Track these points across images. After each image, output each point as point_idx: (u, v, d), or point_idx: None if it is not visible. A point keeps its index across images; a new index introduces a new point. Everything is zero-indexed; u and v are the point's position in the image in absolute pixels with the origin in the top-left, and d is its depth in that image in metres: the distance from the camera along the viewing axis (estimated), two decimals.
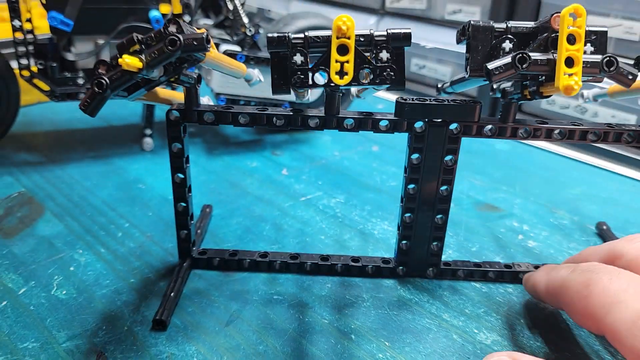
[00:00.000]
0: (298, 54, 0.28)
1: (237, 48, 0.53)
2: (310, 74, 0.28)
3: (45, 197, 0.46)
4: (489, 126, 0.33)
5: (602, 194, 0.51)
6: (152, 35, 0.27)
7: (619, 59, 0.28)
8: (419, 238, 0.36)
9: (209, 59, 0.30)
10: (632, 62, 0.29)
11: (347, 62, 0.27)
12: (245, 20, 0.53)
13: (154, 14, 0.50)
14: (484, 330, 0.32)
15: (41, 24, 0.54)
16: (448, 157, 0.34)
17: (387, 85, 0.29)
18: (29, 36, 0.48)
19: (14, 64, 0.50)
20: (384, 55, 0.29)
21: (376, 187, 0.50)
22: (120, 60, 0.26)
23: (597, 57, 0.28)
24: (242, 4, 0.54)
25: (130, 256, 0.39)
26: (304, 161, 0.55)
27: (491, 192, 0.50)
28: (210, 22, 0.62)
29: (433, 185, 0.34)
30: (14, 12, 0.46)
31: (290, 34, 0.29)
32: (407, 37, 0.29)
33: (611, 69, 0.27)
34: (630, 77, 0.28)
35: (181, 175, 0.34)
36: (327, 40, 0.28)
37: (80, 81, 0.49)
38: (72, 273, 0.37)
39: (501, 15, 0.60)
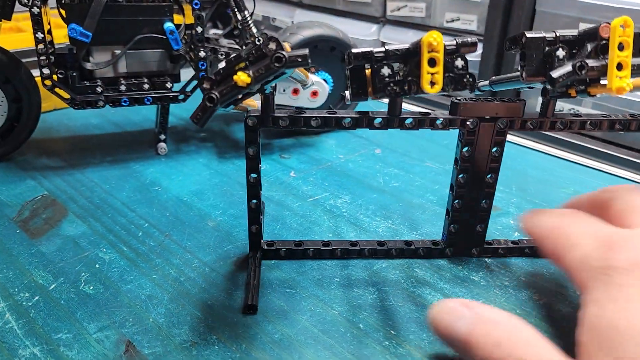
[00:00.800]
0: (385, 67, 0.31)
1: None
2: (405, 84, 0.32)
3: (67, 200, 0.49)
4: (532, 121, 0.37)
5: None
6: (253, 52, 0.30)
7: None
8: (465, 221, 0.40)
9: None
10: None
11: (437, 73, 0.31)
12: (254, 30, 0.56)
13: (167, 25, 0.53)
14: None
15: (58, 33, 0.57)
16: (494, 149, 0.38)
17: (466, 89, 0.32)
18: (50, 47, 0.50)
19: (34, 73, 0.53)
20: (460, 63, 0.32)
21: (379, 188, 0.53)
22: (235, 77, 0.30)
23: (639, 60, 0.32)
24: (251, 15, 0.57)
25: (151, 254, 0.41)
26: (310, 164, 0.58)
27: None
28: (219, 32, 0.65)
29: (481, 174, 0.39)
30: (37, 25, 0.48)
31: (374, 50, 0.32)
32: (474, 44, 0.32)
33: None
34: None
35: (255, 176, 0.38)
36: (405, 53, 0.31)
37: (99, 89, 0.52)
38: (97, 270, 0.39)
39: (497, 24, 0.63)
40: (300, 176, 0.55)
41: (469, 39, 0.32)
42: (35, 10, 0.48)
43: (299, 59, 0.30)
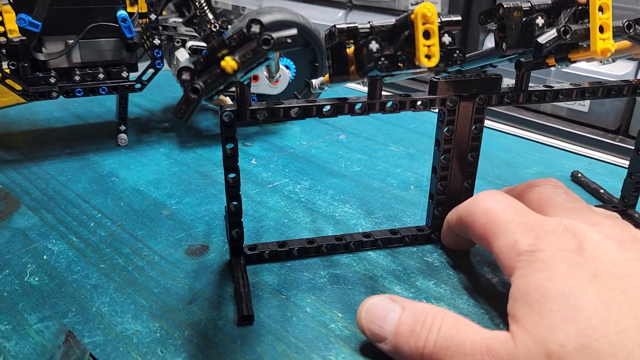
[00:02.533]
0: (374, 42, 0.29)
1: (202, 44, 0.55)
2: (396, 59, 0.29)
3: (21, 192, 0.48)
4: (508, 95, 0.37)
5: (557, 173, 0.53)
6: (235, 37, 0.27)
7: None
8: (449, 204, 0.39)
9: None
10: None
11: (432, 45, 0.29)
12: (210, 16, 0.55)
13: (120, 12, 0.52)
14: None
15: (15, 27, 0.55)
16: (474, 127, 0.37)
17: (458, 67, 0.31)
18: (2, 39, 0.49)
19: None
20: (447, 39, 0.30)
21: (340, 173, 0.52)
22: (223, 62, 0.27)
23: (618, 22, 0.32)
24: (207, 1, 0.56)
25: (101, 244, 0.41)
26: (272, 151, 0.57)
27: None
28: (180, 19, 0.64)
29: (463, 154, 0.38)
30: None
31: (359, 25, 0.30)
32: (458, 22, 0.31)
33: (630, 30, 0.32)
34: None
35: (234, 175, 0.35)
36: (392, 29, 0.30)
37: (52, 80, 0.51)
38: (44, 261, 0.39)
39: (460, 4, 0.62)
40: (261, 163, 0.54)
41: (453, 17, 0.31)
42: None
43: (288, 40, 0.28)
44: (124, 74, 0.54)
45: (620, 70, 0.57)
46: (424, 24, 0.29)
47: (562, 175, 0.52)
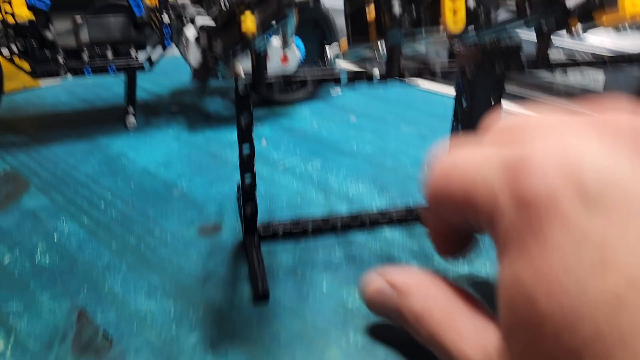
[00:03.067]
0: (396, 4, 0.28)
1: (212, 23, 0.54)
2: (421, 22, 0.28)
3: (30, 174, 0.47)
4: (529, 61, 0.35)
5: None
6: None
7: None
8: None
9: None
10: None
11: (458, 10, 0.27)
12: None
13: None
14: None
15: (24, 12, 0.55)
16: (495, 95, 0.36)
17: (481, 33, 0.30)
18: (10, 19, 0.49)
19: None
20: (472, 3, 0.29)
21: (352, 152, 0.52)
22: (243, 27, 0.25)
23: None
24: None
25: (112, 224, 0.40)
26: (283, 132, 0.56)
27: None
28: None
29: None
30: None
31: None
32: None
33: None
34: None
35: (249, 147, 0.34)
36: None
37: (60, 59, 0.50)
38: (55, 242, 0.38)
39: None
40: (272, 144, 0.53)
41: None
42: None
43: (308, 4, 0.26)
44: (133, 53, 0.53)
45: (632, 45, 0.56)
46: None
47: None
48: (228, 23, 0.27)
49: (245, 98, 0.32)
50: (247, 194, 0.35)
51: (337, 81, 0.33)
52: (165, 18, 0.52)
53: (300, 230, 0.38)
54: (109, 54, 0.52)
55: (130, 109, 0.57)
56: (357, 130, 0.57)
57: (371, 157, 0.51)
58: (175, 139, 0.54)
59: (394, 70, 0.32)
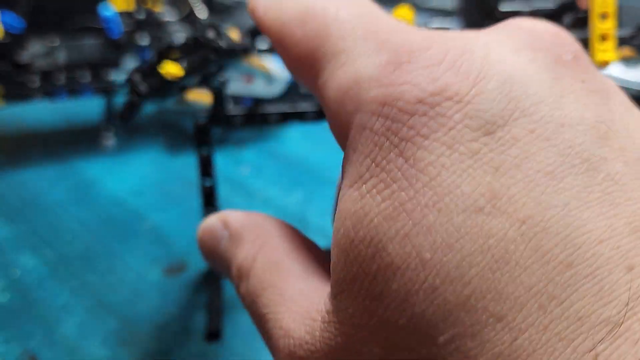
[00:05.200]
0: None
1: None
2: None
3: None
4: None
5: None
6: (188, 41, 0.27)
7: None
8: None
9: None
10: None
11: None
12: (201, 16, 0.53)
13: (106, 12, 0.50)
14: None
15: None
16: None
17: None
18: None
19: None
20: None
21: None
22: (162, 69, 0.26)
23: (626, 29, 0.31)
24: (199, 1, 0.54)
25: (76, 259, 0.39)
26: (268, 158, 0.55)
27: None
28: (174, 18, 0.61)
29: None
30: None
31: None
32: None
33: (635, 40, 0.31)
34: None
35: (210, 182, 0.33)
36: None
37: (36, 83, 0.49)
38: (16, 277, 0.37)
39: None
40: (255, 172, 0.52)
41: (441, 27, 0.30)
42: None
43: (236, 49, 0.27)
44: (110, 75, 0.52)
45: None
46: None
47: None
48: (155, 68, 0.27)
49: (205, 132, 0.32)
50: None
51: (301, 117, 0.32)
52: (144, 41, 0.51)
53: None
54: (86, 77, 0.50)
55: (108, 130, 0.56)
56: None
57: None
58: (153, 163, 0.53)
59: None
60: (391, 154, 0.12)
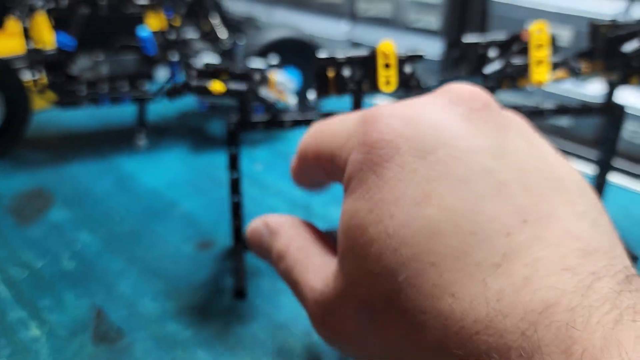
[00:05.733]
0: (347, 70, 0.38)
1: (216, 59, 0.62)
2: (362, 83, 0.38)
3: (56, 190, 0.55)
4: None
5: None
6: (239, 72, 0.40)
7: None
8: None
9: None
10: None
11: (391, 76, 0.37)
12: (222, 35, 0.62)
13: (143, 33, 0.59)
14: None
15: (49, 38, 0.63)
16: None
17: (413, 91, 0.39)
18: (40, 53, 0.57)
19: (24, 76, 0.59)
20: (408, 69, 0.38)
21: None
22: (212, 85, 0.39)
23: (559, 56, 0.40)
24: (219, 21, 0.63)
25: (125, 236, 0.48)
26: (278, 157, 0.64)
27: None
28: (196, 35, 0.71)
29: None
30: (27, 36, 0.55)
31: (336, 56, 0.38)
32: (420, 57, 0.39)
33: (564, 66, 0.40)
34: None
35: (236, 174, 0.42)
36: (364, 59, 0.38)
37: (83, 92, 0.59)
38: (77, 250, 0.46)
39: (454, 24, 0.69)
40: (267, 169, 0.61)
41: (417, 53, 0.38)
42: (25, 23, 0.54)
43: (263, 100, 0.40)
44: (145, 86, 0.61)
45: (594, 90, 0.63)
46: (383, 58, 0.37)
47: None
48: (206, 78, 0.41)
49: (234, 135, 0.41)
50: (235, 211, 0.44)
51: (308, 123, 0.41)
52: (175, 56, 0.60)
53: None
54: (125, 87, 0.60)
55: (141, 132, 0.65)
56: None
57: None
58: (181, 161, 0.62)
59: None
60: (368, 172, 0.19)
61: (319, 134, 0.24)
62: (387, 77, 0.37)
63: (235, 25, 0.75)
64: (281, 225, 0.26)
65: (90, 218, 0.51)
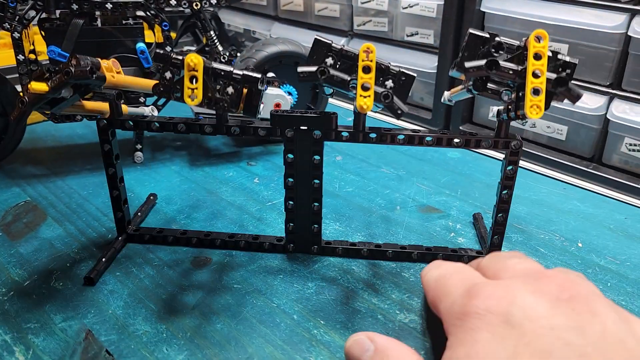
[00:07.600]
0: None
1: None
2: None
3: (47, 205, 0.54)
4: (345, 132, 0.41)
5: (534, 196, 0.58)
6: (59, 67, 0.39)
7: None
8: (301, 221, 0.45)
9: (110, 82, 0.42)
10: None
11: (196, 89, 0.37)
12: (220, 48, 0.61)
13: (139, 45, 0.58)
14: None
15: (44, 49, 0.62)
16: (316, 157, 0.42)
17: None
18: (33, 66, 0.56)
19: (19, 88, 0.58)
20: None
21: (334, 192, 0.58)
22: (29, 85, 0.39)
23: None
24: (216, 34, 0.62)
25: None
26: (274, 171, 0.62)
27: (435, 196, 0.57)
28: (193, 48, 0.69)
29: (307, 179, 0.43)
30: (18, 48, 0.53)
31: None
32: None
33: (386, 100, 0.38)
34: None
35: (112, 170, 0.44)
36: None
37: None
38: (68, 268, 0.44)
39: (450, 38, 0.67)
40: (263, 182, 0.60)
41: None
42: (16, 35, 0.53)
43: (80, 72, 0.38)
44: (141, 99, 0.60)
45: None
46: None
47: (537, 199, 0.57)
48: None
49: (105, 131, 0.43)
50: (116, 205, 0.46)
51: (202, 130, 0.42)
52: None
53: (162, 238, 0.48)
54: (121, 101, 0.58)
55: (138, 146, 0.64)
56: (341, 170, 0.63)
57: (351, 197, 0.57)
58: (177, 174, 0.61)
59: (249, 130, 0.42)
60: (465, 335, 0.27)
61: (433, 292, 0.33)
62: (193, 91, 0.37)
63: (232, 39, 0.74)
64: (391, 347, 0.30)
65: (82, 235, 0.49)
